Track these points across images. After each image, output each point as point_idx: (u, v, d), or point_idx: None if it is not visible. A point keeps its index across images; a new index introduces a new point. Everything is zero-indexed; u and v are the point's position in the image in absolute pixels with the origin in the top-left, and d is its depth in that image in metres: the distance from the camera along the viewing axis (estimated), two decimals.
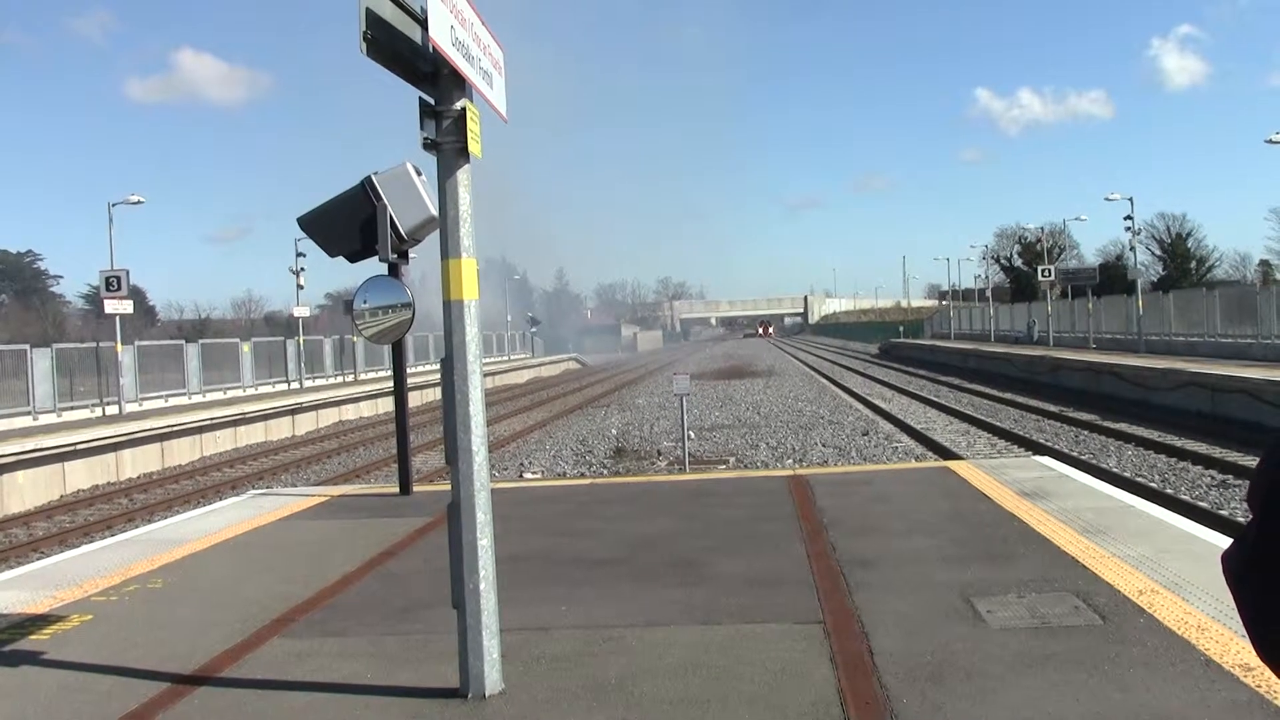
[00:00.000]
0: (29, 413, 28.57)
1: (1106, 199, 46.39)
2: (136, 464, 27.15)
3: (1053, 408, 30.91)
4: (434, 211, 10.43)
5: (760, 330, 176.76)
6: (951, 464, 13.76)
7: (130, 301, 32.73)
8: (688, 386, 19.55)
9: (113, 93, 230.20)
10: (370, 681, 5.89)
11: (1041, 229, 72.91)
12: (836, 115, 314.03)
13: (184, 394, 36.49)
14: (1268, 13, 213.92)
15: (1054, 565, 7.60)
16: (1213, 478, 17.80)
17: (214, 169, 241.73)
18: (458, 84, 5.48)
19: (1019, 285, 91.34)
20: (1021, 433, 25.57)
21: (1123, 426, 25.03)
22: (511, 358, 79.45)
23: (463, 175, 5.55)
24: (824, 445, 24.56)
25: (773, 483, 12.33)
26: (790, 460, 22.28)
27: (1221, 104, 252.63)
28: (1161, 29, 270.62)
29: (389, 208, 11.00)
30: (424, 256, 13.49)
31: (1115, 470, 18.67)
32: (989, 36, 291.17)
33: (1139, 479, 17.71)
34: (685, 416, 20.15)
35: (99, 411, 31.46)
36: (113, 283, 31.54)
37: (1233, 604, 1.57)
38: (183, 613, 7.62)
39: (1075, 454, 20.84)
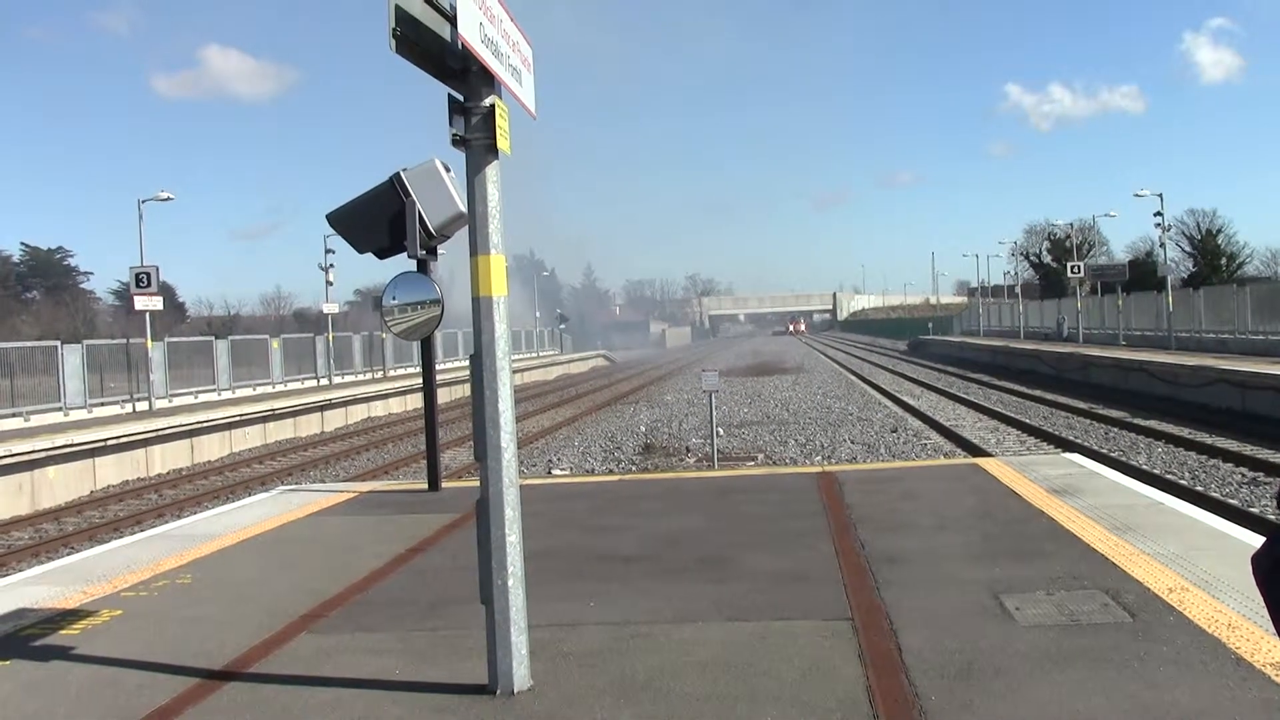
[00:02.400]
0: (60, 409, 28.80)
1: (1136, 195, 46.22)
2: (166, 460, 27.34)
3: (1082, 404, 30.76)
4: (463, 208, 10.47)
5: (791, 328, 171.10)
6: (980, 461, 13.69)
7: (160, 298, 32.92)
8: (717, 383, 19.52)
9: (141, 89, 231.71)
10: (399, 677, 5.91)
11: (1071, 225, 72.41)
12: (866, 110, 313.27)
13: (213, 390, 36.71)
14: None
15: (1083, 562, 7.56)
16: (1243, 475, 17.67)
17: (243, 165, 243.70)
18: (486, 81, 5.49)
19: (1048, 282, 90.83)
20: (1051, 430, 25.44)
21: (1152, 423, 24.88)
22: (540, 354, 79.58)
23: (491, 171, 5.55)
24: (853, 442, 24.51)
25: (801, 479, 12.30)
26: (819, 457, 22.25)
27: (1255, 98, 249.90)
28: (1194, 22, 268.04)
29: (417, 204, 11.02)
30: (453, 253, 13.53)
31: (1145, 467, 18.56)
32: (1020, 31, 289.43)
33: (1169, 476, 17.59)
34: (714, 413, 20.12)
35: (129, 408, 31.69)
36: (142, 279, 31.74)
37: (1264, 603, 1.56)
38: (212, 608, 7.66)
39: (1105, 451, 20.72)
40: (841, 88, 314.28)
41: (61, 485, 23.09)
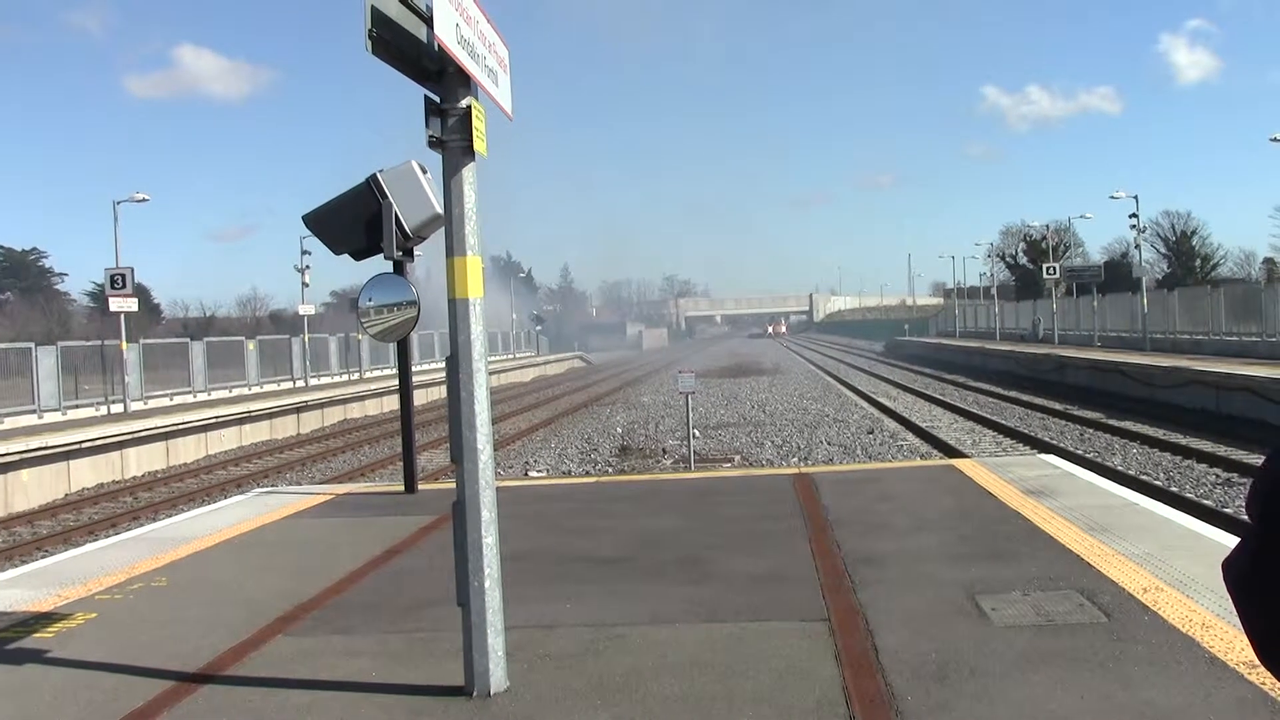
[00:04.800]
0: (34, 411, 28.57)
1: (1112, 197, 46.35)
2: (141, 462, 27.16)
3: (1058, 406, 30.88)
4: (439, 209, 10.44)
5: (771, 329, 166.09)
6: (956, 462, 13.74)
7: (135, 299, 32.72)
8: (693, 384, 19.52)
9: (115, 89, 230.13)
10: (375, 679, 5.89)
11: (1047, 227, 72.50)
12: (843, 111, 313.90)
13: (189, 392, 36.50)
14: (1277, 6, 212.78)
15: (1059, 563, 7.60)
16: (1217, 475, 17.77)
17: (218, 166, 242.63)
18: (463, 82, 5.48)
19: (1024, 283, 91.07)
20: (1026, 431, 25.55)
21: (1127, 424, 24.99)
22: (516, 356, 79.43)
23: (468, 173, 5.55)
24: (829, 443, 24.55)
25: (778, 481, 12.32)
26: (795, 458, 22.27)
27: (1231, 100, 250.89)
28: (1171, 24, 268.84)
29: (394, 205, 11.00)
30: (429, 254, 13.51)
31: (1120, 468, 18.65)
32: (998, 32, 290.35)
33: (1144, 477, 17.68)
34: (690, 414, 20.13)
35: (104, 410, 31.47)
36: (118, 280, 31.53)
37: (1235, 609, 1.57)
38: (188, 611, 7.63)
39: (1080, 452, 20.81)
40: (821, 90, 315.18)
41: (35, 488, 22.92)
